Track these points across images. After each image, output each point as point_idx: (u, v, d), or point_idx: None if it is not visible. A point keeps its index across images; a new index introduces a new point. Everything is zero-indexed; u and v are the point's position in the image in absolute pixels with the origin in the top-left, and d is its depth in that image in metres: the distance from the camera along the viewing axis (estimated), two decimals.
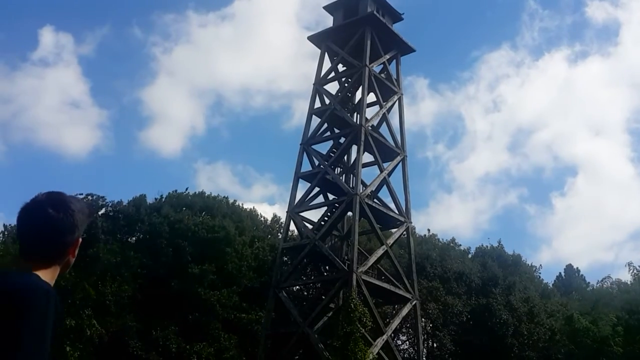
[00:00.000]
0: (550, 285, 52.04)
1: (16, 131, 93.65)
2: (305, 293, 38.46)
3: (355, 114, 35.77)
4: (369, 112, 35.72)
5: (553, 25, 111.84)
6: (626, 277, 47.88)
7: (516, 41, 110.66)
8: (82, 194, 36.21)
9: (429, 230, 48.64)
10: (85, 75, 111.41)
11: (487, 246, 48.49)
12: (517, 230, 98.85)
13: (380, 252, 31.92)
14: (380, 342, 29.34)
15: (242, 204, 45.89)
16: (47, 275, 2.06)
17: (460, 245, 48.91)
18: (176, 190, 42.71)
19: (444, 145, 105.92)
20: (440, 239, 48.47)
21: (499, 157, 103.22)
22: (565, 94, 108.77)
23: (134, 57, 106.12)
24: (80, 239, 2.19)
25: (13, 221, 38.01)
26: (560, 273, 57.35)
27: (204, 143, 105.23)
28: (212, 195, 42.76)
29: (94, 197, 39.35)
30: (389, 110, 36.32)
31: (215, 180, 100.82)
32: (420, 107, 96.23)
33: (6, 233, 38.18)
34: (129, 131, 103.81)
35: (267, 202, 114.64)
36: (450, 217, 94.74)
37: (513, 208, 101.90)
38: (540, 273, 53.03)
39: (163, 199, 42.01)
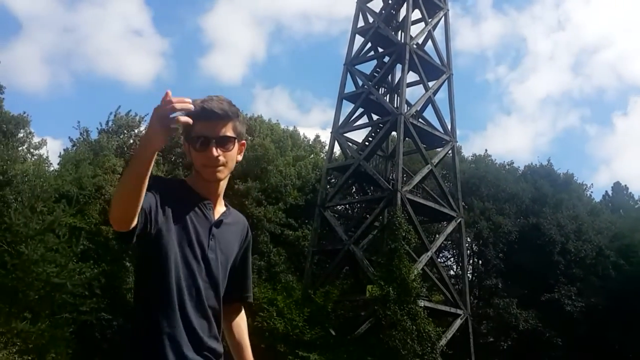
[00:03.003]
0: (599, 204, 51.35)
1: (80, 60, 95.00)
2: (350, 212, 39.04)
3: (399, 32, 35.17)
4: (414, 30, 35.12)
5: None
6: None
7: None
8: (145, 121, 37.14)
9: (486, 150, 48.31)
10: (147, 3, 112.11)
11: (536, 165, 47.98)
12: (576, 152, 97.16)
13: (425, 171, 32.04)
14: (424, 258, 29.88)
15: (288, 127, 46.23)
16: None
17: (513, 162, 48.64)
18: None
19: (506, 67, 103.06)
20: (494, 160, 48.18)
21: (561, 78, 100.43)
22: (633, 11, 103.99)
23: None
24: None
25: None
26: (606, 191, 56.49)
27: (263, 69, 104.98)
28: (253, 116, 43.02)
29: None
30: (434, 27, 35.60)
31: (272, 105, 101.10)
32: (482, 28, 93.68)
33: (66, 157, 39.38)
34: (190, 58, 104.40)
35: (326, 127, 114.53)
36: (508, 139, 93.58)
37: (573, 130, 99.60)
38: (590, 192, 52.46)
39: None
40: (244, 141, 2.49)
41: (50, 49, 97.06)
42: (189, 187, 2.45)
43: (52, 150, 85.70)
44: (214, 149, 2.32)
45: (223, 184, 2.48)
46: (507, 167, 47.58)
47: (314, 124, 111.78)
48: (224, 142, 2.36)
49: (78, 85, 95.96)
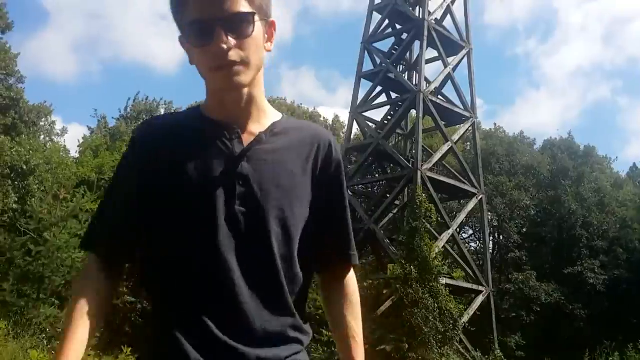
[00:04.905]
0: (624, 176, 50.83)
1: (107, 46, 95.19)
2: (371, 191, 39.04)
3: (417, 8, 34.79)
4: (432, 5, 34.70)
5: None
6: None
7: None
8: (173, 107, 37.32)
9: (495, 124, 48.00)
10: None
11: (556, 138, 47.53)
12: (607, 125, 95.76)
13: (445, 148, 31.88)
14: (445, 236, 29.87)
15: (308, 108, 46.24)
16: None
17: (529, 138, 48.18)
18: None
19: (536, 40, 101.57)
20: (509, 133, 47.80)
21: (592, 50, 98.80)
22: None
23: None
24: None
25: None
26: (634, 163, 55.85)
27: (290, 50, 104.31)
28: (272, 97, 43.08)
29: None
30: (453, 1, 35.14)
31: (298, 86, 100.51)
32: (513, 1, 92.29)
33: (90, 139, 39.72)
34: None
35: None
36: (538, 113, 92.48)
37: (604, 102, 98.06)
38: (614, 164, 51.90)
39: None
40: (272, 19, 1.68)
41: (78, 36, 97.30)
42: (201, 116, 1.69)
43: (81, 137, 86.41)
44: (223, 36, 1.53)
45: (254, 93, 1.67)
46: (519, 139, 47.13)
47: (341, 104, 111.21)
48: (237, 23, 1.55)
49: (105, 71, 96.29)
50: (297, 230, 1.65)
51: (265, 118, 1.71)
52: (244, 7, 1.56)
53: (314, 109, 47.95)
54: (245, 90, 1.63)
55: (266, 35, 1.66)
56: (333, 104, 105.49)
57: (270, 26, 1.67)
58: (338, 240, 1.81)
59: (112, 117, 40.25)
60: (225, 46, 1.53)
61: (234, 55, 1.54)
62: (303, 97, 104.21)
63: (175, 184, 1.60)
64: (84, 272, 1.67)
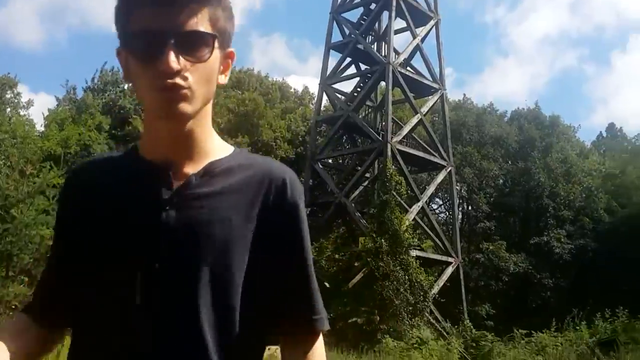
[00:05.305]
0: (589, 145, 51.63)
1: (74, 14, 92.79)
2: (341, 161, 39.10)
3: None
4: None
5: None
6: None
7: None
8: None
9: (464, 95, 48.20)
10: None
11: (523, 108, 47.96)
12: (573, 93, 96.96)
13: (414, 121, 31.93)
14: (415, 208, 30.06)
15: (277, 79, 45.81)
16: None
17: (498, 110, 48.52)
18: None
19: (505, 8, 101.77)
20: (477, 104, 48.08)
21: (559, 17, 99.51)
22: None
23: None
24: None
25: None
26: (600, 132, 56.68)
27: (260, 17, 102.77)
28: (243, 69, 42.67)
29: None
30: None
31: (269, 54, 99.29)
32: None
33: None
34: None
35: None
36: (506, 82, 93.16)
37: (571, 70, 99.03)
38: (577, 133, 52.65)
39: None
40: (231, 49, 1.42)
41: (44, 2, 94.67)
42: (135, 157, 1.42)
43: (49, 106, 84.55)
44: (174, 53, 1.25)
45: (196, 129, 1.37)
46: (488, 110, 47.45)
47: (312, 73, 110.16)
48: (193, 42, 1.29)
49: (74, 39, 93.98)
50: (236, 293, 1.34)
51: (207, 158, 1.40)
52: (205, 27, 1.31)
53: (283, 79, 47.66)
54: (187, 123, 1.34)
55: (222, 67, 1.40)
56: (304, 72, 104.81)
57: (228, 57, 1.41)
58: (297, 303, 1.43)
59: (82, 87, 39.43)
60: (175, 65, 1.25)
61: (182, 78, 1.28)
62: (274, 66, 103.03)
63: (92, 241, 1.36)
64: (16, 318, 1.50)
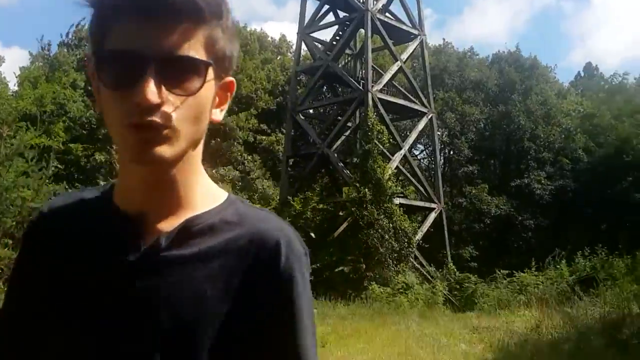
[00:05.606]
0: (567, 85, 51.73)
1: None
2: (322, 111, 39.05)
3: None
4: None
5: None
6: None
7: None
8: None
9: (444, 39, 47.84)
10: None
11: (503, 52, 47.76)
12: (552, 31, 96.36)
13: (394, 68, 31.72)
14: (398, 156, 30.14)
15: (254, 28, 45.09)
16: None
17: (478, 55, 48.31)
18: None
19: None
20: (457, 49, 47.81)
21: None
22: None
23: None
24: None
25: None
26: (579, 72, 56.74)
27: None
28: None
29: None
30: None
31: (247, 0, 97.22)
32: None
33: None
34: None
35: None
36: (486, 23, 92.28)
37: (549, 8, 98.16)
38: (555, 73, 52.71)
39: None
40: (231, 79, 1.15)
41: None
42: (107, 205, 1.16)
43: (22, 63, 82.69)
44: (154, 83, 0.99)
45: (179, 177, 1.11)
46: (469, 55, 47.24)
47: (290, 18, 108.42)
48: (180, 71, 1.03)
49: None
50: None
51: (187, 212, 1.12)
52: (197, 51, 1.03)
53: (262, 29, 46.99)
54: (167, 170, 1.08)
55: (217, 99, 1.13)
56: (282, 18, 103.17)
57: (226, 88, 1.14)
58: None
59: (57, 44, 38.46)
60: (154, 98, 0.98)
61: (163, 115, 1.00)
62: (253, 12, 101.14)
63: (49, 304, 1.11)
64: None
